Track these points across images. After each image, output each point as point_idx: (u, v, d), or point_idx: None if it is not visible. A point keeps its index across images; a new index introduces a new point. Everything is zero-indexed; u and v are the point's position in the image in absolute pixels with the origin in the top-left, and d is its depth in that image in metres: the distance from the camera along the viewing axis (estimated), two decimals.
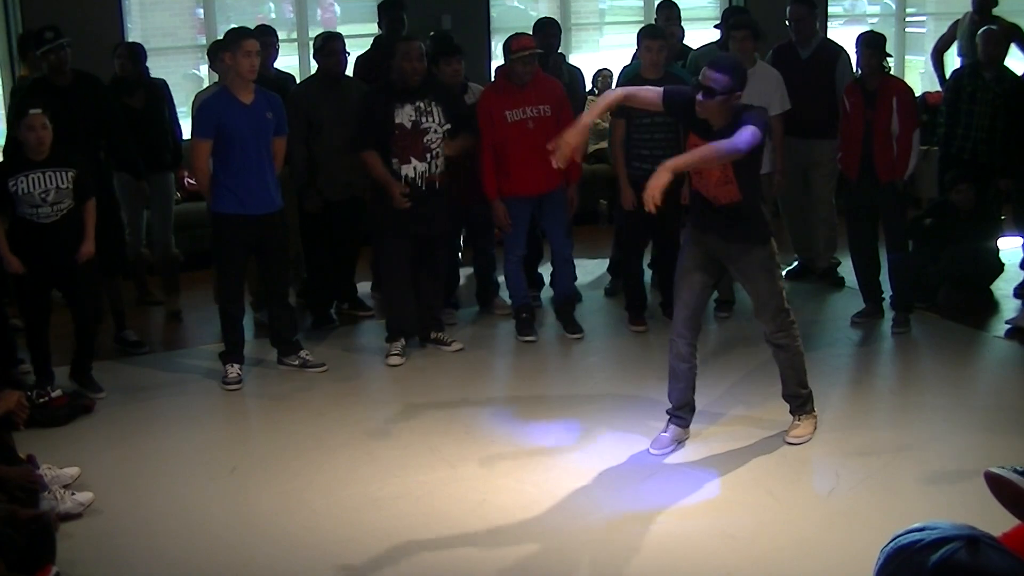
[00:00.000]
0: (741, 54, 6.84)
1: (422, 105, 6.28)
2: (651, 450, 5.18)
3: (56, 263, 5.82)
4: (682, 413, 5.26)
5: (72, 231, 5.82)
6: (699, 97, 4.76)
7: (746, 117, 4.72)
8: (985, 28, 7.60)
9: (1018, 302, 7.20)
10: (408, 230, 6.35)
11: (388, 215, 6.30)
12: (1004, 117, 7.28)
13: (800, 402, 5.30)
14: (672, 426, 5.25)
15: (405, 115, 6.24)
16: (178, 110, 7.49)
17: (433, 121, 6.29)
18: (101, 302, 6.29)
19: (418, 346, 6.65)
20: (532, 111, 6.47)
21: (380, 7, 7.90)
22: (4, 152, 6.09)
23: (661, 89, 5.03)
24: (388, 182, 6.25)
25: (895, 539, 2.12)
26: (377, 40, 7.91)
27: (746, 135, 4.62)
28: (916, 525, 2.14)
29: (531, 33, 7.08)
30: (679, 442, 5.24)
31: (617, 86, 7.28)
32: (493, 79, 6.95)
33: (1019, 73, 7.53)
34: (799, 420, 5.30)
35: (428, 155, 6.29)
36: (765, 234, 5.04)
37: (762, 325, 5.23)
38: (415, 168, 6.28)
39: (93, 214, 5.93)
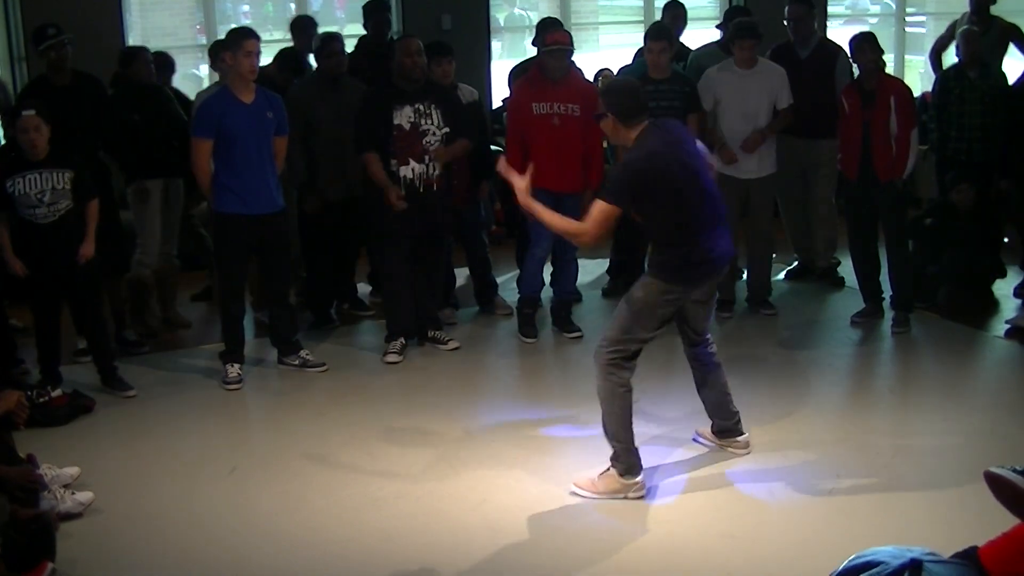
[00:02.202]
0: (745, 61, 6.84)
1: (421, 107, 6.29)
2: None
3: (56, 264, 5.82)
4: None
5: (72, 232, 5.81)
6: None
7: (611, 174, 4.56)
8: (965, 28, 7.62)
9: (1018, 302, 7.21)
10: (407, 231, 6.36)
11: (388, 216, 6.30)
12: (995, 114, 7.29)
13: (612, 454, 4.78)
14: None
15: (404, 116, 6.25)
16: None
17: (432, 123, 6.30)
18: (102, 304, 6.25)
19: (416, 345, 6.66)
20: (560, 108, 6.47)
21: (365, 8, 7.84)
22: (2, 152, 6.07)
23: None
24: (385, 185, 6.25)
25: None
26: (362, 41, 7.88)
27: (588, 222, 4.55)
28: (857, 561, 2.18)
29: (536, 33, 7.12)
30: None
31: None
32: (527, 71, 6.98)
33: (1017, 72, 7.55)
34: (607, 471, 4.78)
35: (426, 157, 6.30)
36: (656, 272, 4.70)
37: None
38: (413, 169, 6.28)
39: (95, 215, 5.91)
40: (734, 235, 7.17)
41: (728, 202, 7.00)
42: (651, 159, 4.54)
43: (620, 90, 4.74)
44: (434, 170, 6.33)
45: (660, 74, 6.69)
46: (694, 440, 5.25)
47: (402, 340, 6.53)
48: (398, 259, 6.45)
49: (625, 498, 4.68)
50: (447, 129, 6.34)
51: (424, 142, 6.28)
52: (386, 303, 6.69)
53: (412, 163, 6.28)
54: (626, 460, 4.72)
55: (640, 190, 4.54)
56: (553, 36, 6.55)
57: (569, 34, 6.74)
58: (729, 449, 5.14)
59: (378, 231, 6.45)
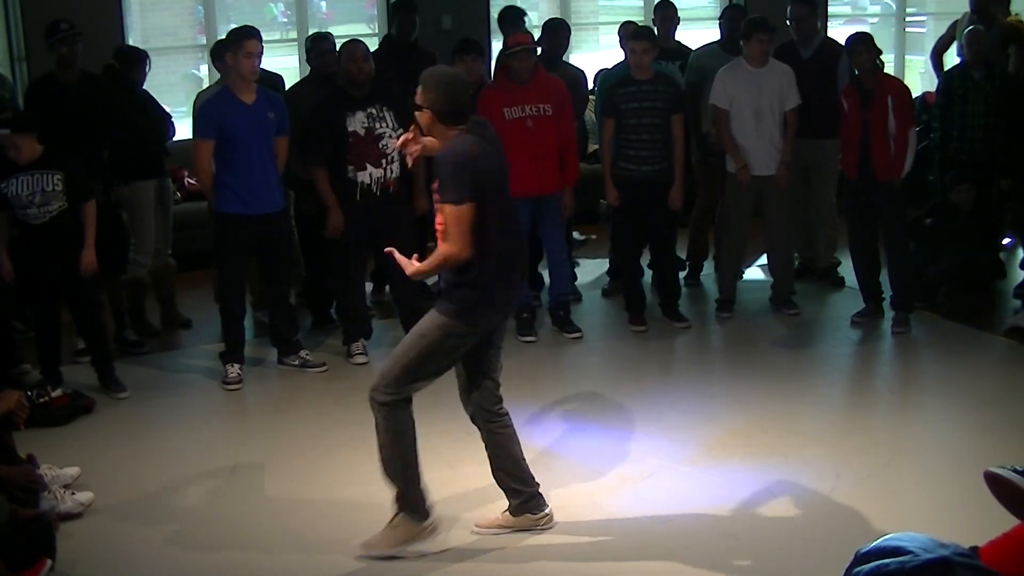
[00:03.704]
0: (759, 57, 6.83)
1: (374, 111, 6.26)
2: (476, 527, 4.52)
3: (51, 264, 5.81)
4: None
5: (66, 233, 5.79)
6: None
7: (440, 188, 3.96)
8: (970, 28, 7.61)
9: (1018, 302, 7.20)
10: (365, 237, 6.31)
11: (346, 223, 6.28)
12: (999, 114, 7.29)
13: (398, 501, 4.32)
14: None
15: (358, 122, 6.22)
16: (176, 111, 7.45)
17: (387, 126, 6.26)
18: (101, 306, 6.23)
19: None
20: (532, 110, 6.45)
21: (393, 7, 7.93)
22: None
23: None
24: (331, 205, 6.24)
25: (866, 557, 2.13)
26: (387, 39, 7.94)
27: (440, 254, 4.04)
28: (889, 543, 2.14)
29: (542, 33, 7.10)
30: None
31: (598, 92, 7.34)
32: (493, 76, 6.96)
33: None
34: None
35: (383, 161, 6.26)
36: (456, 309, 4.15)
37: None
38: (371, 175, 6.25)
39: (92, 218, 5.87)
40: (748, 234, 7.21)
41: (742, 201, 7.04)
42: (475, 149, 4.05)
43: (449, 79, 4.16)
44: (392, 173, 6.27)
45: (643, 75, 6.68)
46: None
47: (363, 340, 6.53)
48: (355, 264, 6.43)
49: (420, 542, 4.31)
50: (402, 130, 6.30)
51: (380, 146, 6.24)
52: (343, 306, 6.64)
53: (369, 168, 6.24)
54: (414, 502, 4.30)
55: (477, 181, 4.01)
56: (515, 38, 6.52)
57: (531, 34, 6.74)
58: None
59: (337, 237, 6.34)
